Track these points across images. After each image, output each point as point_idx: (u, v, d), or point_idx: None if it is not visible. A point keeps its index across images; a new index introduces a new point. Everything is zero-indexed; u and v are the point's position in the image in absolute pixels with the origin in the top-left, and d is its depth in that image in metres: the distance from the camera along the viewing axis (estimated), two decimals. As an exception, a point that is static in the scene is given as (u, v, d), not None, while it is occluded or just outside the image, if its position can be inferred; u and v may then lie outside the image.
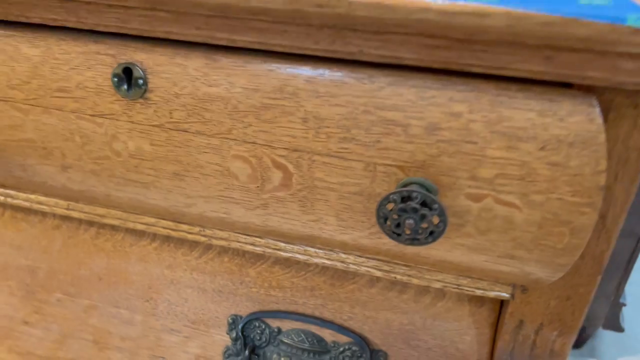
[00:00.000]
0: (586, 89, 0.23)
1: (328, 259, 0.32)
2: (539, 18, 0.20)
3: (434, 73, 0.24)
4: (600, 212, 0.26)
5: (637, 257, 0.97)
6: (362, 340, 0.35)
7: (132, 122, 0.29)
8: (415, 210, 0.24)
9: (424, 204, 0.24)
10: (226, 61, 0.27)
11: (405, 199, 0.25)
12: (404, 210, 0.25)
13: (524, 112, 0.23)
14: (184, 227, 0.34)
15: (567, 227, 0.25)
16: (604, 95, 0.23)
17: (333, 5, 0.22)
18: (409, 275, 0.31)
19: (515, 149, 0.24)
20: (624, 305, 0.94)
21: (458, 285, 0.31)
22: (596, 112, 0.23)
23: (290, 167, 0.28)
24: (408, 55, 0.23)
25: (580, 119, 0.23)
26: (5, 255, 0.41)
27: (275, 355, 0.37)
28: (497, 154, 0.24)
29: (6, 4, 0.28)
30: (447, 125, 0.24)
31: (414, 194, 0.24)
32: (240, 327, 0.37)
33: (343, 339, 0.36)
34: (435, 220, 0.25)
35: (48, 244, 0.40)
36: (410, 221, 0.25)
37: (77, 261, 0.39)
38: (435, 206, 0.24)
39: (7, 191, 0.37)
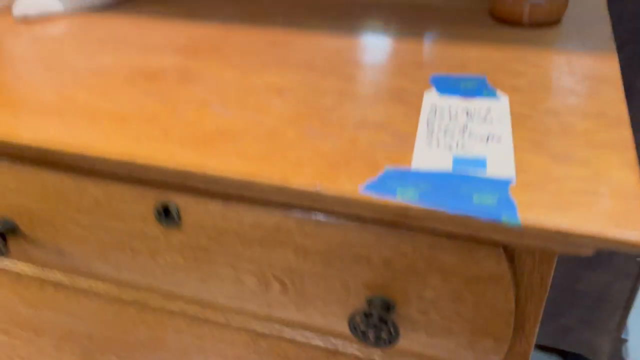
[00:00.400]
0: (495, 242, 0.31)
1: (321, 340, 0.41)
2: (438, 213, 0.28)
3: (389, 225, 0.33)
4: (519, 324, 0.34)
5: (636, 295, 1.02)
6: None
7: (169, 243, 0.39)
8: (374, 324, 0.33)
9: (381, 319, 0.33)
10: (237, 206, 0.36)
11: (367, 315, 0.33)
12: (366, 324, 0.33)
13: (452, 255, 0.32)
14: (209, 311, 0.44)
15: (492, 336, 0.33)
16: (508, 247, 0.31)
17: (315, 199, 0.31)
18: (383, 358, 0.40)
19: (448, 281, 0.33)
20: (626, 340, 1.00)
21: (422, 364, 0.40)
22: (503, 257, 0.31)
23: (287, 282, 0.37)
24: (369, 216, 0.32)
25: (491, 263, 0.31)
26: (69, 323, 0.51)
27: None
28: (435, 283, 0.33)
29: (80, 158, 0.38)
30: (398, 260, 0.33)
31: (374, 312, 0.33)
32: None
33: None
34: (391, 330, 0.33)
35: (103, 315, 0.50)
36: (372, 331, 0.33)
37: (125, 330, 0.49)
38: (389, 321, 0.33)
39: (75, 276, 0.47)
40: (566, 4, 0.47)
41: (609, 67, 0.40)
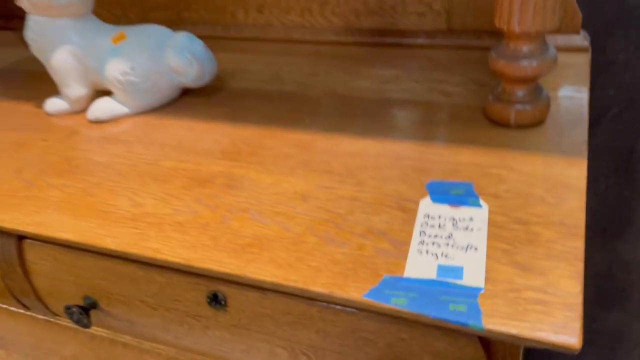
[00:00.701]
0: (472, 334, 0.39)
1: (341, 399, 0.50)
2: (423, 317, 0.37)
3: (390, 316, 0.42)
4: None
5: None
6: None
7: (218, 322, 0.49)
8: (380, 395, 0.42)
9: (385, 391, 0.42)
10: (271, 296, 0.45)
11: (374, 387, 0.42)
12: (374, 395, 0.42)
13: (440, 342, 0.40)
14: (250, 372, 0.53)
15: (475, 405, 0.42)
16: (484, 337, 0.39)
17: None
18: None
19: (437, 362, 0.41)
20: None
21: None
22: (479, 346, 0.39)
23: (312, 356, 0.46)
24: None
25: (470, 349, 0.39)
26: (136, 376, 0.62)
27: None
28: (427, 363, 0.41)
29: (150, 260, 0.48)
30: (398, 344, 0.42)
31: (379, 385, 0.42)
32: None
33: None
34: (393, 400, 0.42)
35: (163, 370, 0.60)
36: (378, 401, 0.42)
37: (182, 383, 0.59)
38: (392, 393, 0.41)
39: (141, 340, 0.58)
40: (548, 107, 0.55)
41: (577, 173, 0.47)
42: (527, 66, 0.51)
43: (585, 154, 0.50)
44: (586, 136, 0.52)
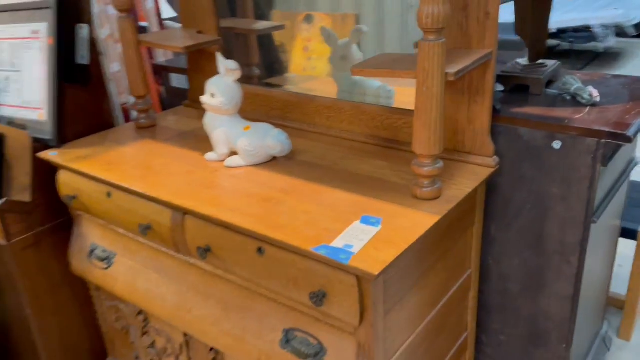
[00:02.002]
0: (350, 271, 0.94)
1: (309, 310, 1.06)
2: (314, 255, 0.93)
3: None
4: (363, 309, 0.95)
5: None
6: None
7: (260, 263, 1.08)
8: (315, 296, 0.98)
9: None
10: (288, 256, 1.04)
11: (314, 293, 0.98)
12: (313, 296, 0.98)
13: (326, 270, 0.96)
14: (272, 293, 1.11)
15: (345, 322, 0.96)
16: (357, 275, 0.94)
17: (300, 246, 0.98)
18: None
19: (335, 286, 0.96)
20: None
21: (342, 325, 1.02)
22: (355, 279, 0.94)
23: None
24: None
25: (352, 280, 0.94)
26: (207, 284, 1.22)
27: (295, 343, 1.10)
28: (323, 287, 0.97)
29: (247, 231, 1.09)
30: (319, 270, 0.98)
31: None
32: None
33: None
34: (321, 300, 0.97)
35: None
36: (315, 299, 0.98)
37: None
38: None
39: (227, 274, 1.19)
40: (439, 192, 1.09)
41: (430, 220, 1.01)
42: (424, 171, 1.07)
43: (440, 216, 1.03)
44: (451, 206, 1.05)
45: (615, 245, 1.62)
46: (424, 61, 0.98)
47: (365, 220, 1.03)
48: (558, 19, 4.84)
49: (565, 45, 5.17)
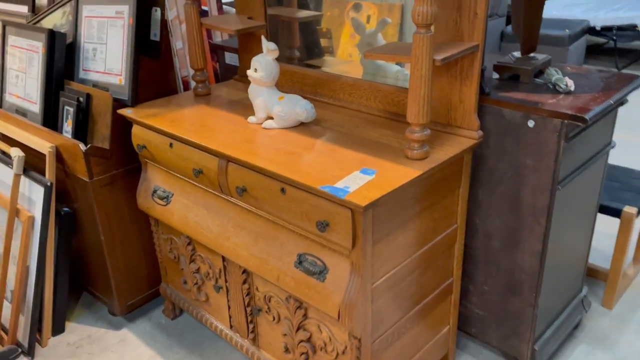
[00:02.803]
0: (346, 205, 1.25)
1: (317, 238, 1.37)
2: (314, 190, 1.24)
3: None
4: (355, 235, 1.26)
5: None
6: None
7: (282, 199, 1.40)
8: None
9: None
10: (303, 195, 1.36)
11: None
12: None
13: (330, 205, 1.27)
14: (291, 225, 1.43)
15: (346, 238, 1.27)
16: (351, 207, 1.25)
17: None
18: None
19: (335, 217, 1.27)
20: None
21: (341, 249, 1.33)
22: (349, 213, 1.25)
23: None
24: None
25: (347, 213, 1.25)
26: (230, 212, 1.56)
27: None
28: (330, 215, 1.28)
29: (273, 174, 1.42)
30: (324, 206, 1.29)
31: None
32: (299, 255, 1.43)
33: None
34: (325, 227, 1.29)
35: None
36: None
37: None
38: (324, 224, 1.29)
39: (259, 210, 1.52)
40: (427, 154, 1.38)
41: (412, 172, 1.31)
42: (415, 136, 1.36)
43: (422, 171, 1.32)
44: (434, 165, 1.34)
45: (592, 219, 1.85)
46: (415, 49, 1.26)
47: (364, 171, 1.33)
48: (604, 17, 4.92)
49: (611, 43, 5.23)
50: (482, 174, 1.61)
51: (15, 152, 1.92)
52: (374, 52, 1.43)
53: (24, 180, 1.95)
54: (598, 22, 4.91)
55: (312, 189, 1.30)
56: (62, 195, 2.00)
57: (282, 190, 1.38)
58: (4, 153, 2.06)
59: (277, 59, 1.63)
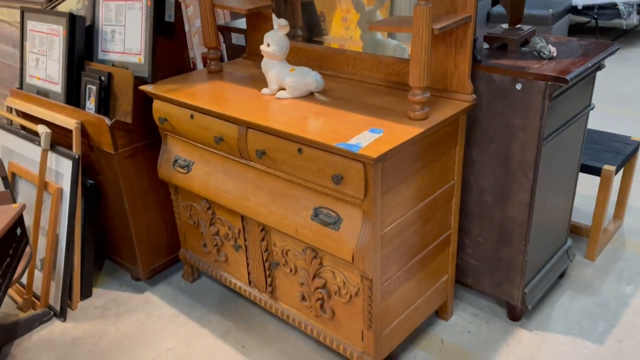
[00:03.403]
0: (358, 158, 1.42)
1: (331, 192, 1.55)
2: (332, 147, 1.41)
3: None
4: (367, 188, 1.43)
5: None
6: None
7: (300, 158, 1.57)
8: (336, 177, 1.46)
9: (338, 177, 1.46)
10: (318, 152, 1.52)
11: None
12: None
13: (344, 160, 1.44)
14: (307, 182, 1.60)
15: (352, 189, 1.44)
16: (362, 161, 1.42)
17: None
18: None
19: (348, 170, 1.44)
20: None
21: (353, 200, 1.50)
22: (361, 165, 1.42)
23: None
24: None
25: (359, 165, 1.42)
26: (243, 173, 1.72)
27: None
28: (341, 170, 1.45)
29: (284, 134, 1.58)
30: (339, 161, 1.46)
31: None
32: (315, 209, 1.60)
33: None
34: (339, 180, 1.46)
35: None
36: (335, 179, 1.46)
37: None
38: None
39: (276, 171, 1.68)
40: (427, 114, 1.55)
41: (417, 130, 1.48)
42: (417, 98, 1.52)
43: (424, 129, 1.49)
44: (434, 123, 1.51)
45: (574, 176, 2.03)
46: (416, 19, 1.43)
47: (372, 130, 1.50)
48: (585, -4, 5.10)
49: (593, 22, 5.42)
50: (476, 135, 1.79)
51: (43, 129, 2.06)
52: (379, 24, 1.59)
53: (51, 155, 2.10)
54: (580, 1, 5.09)
55: (327, 147, 1.46)
56: (86, 169, 2.15)
57: (299, 150, 1.55)
58: (26, 130, 2.20)
59: (286, 34, 1.79)
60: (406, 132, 1.49)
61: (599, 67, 1.75)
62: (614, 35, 5.60)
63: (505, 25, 1.85)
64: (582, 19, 5.78)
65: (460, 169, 1.78)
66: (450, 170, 1.75)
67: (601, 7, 5.12)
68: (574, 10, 5.15)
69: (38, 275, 2.18)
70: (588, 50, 1.75)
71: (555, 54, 1.69)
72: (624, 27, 5.34)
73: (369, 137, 1.47)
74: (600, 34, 5.40)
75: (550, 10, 4.66)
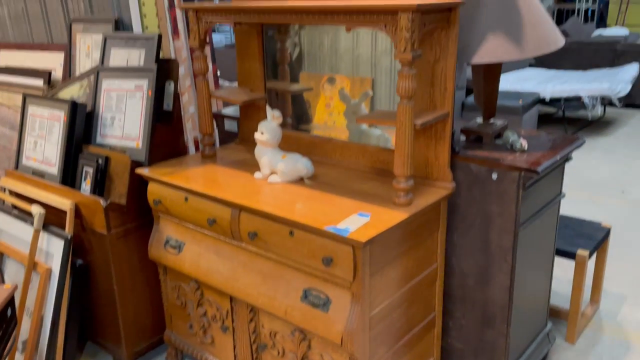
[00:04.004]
0: (348, 243, 1.50)
1: (321, 274, 1.60)
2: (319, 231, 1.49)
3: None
4: (356, 273, 1.50)
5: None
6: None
7: (291, 240, 1.64)
8: (326, 260, 1.53)
9: None
10: (306, 235, 1.60)
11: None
12: None
13: (335, 243, 1.51)
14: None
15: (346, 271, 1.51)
16: (352, 244, 1.49)
17: (317, 227, 1.55)
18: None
19: (338, 254, 1.52)
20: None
21: (342, 282, 1.56)
22: (350, 249, 1.49)
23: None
24: (329, 236, 1.54)
25: (349, 248, 1.50)
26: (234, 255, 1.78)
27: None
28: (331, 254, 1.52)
29: (281, 219, 1.66)
30: (329, 245, 1.53)
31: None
32: (305, 291, 1.65)
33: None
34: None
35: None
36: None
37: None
38: None
39: (268, 252, 1.75)
40: (410, 201, 1.65)
41: (400, 216, 1.57)
42: (401, 186, 1.63)
43: (409, 214, 1.59)
44: (418, 210, 1.61)
45: (550, 260, 2.13)
46: (400, 116, 1.57)
47: (360, 214, 1.59)
48: (551, 89, 5.48)
49: (560, 113, 5.78)
50: (456, 220, 1.89)
51: (37, 209, 2.11)
52: (366, 118, 1.73)
53: (42, 235, 2.13)
54: (547, 94, 5.46)
55: (318, 230, 1.54)
56: (76, 249, 2.18)
57: (291, 232, 1.62)
58: (18, 210, 2.24)
59: (279, 124, 1.92)
60: (392, 217, 1.58)
61: (567, 159, 1.90)
62: (581, 125, 5.96)
63: (479, 119, 2.01)
64: (551, 109, 6.16)
65: (442, 252, 1.87)
66: (433, 253, 1.83)
67: (567, 99, 5.49)
68: (542, 101, 5.50)
69: (19, 358, 2.13)
70: (556, 143, 1.91)
71: (526, 147, 1.84)
72: (589, 118, 5.71)
73: (357, 221, 1.55)
74: (567, 123, 5.74)
75: (521, 101, 4.98)
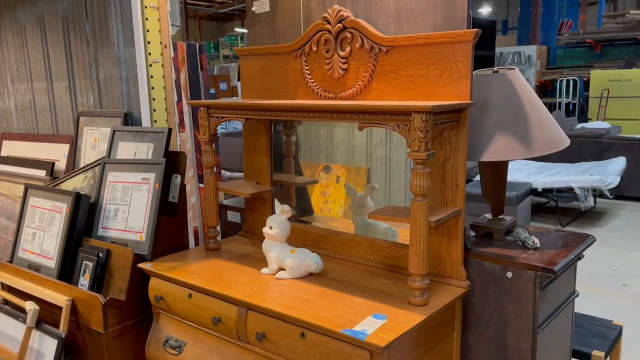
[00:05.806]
0: (364, 346, 1.42)
1: None
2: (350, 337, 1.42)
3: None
4: None
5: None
6: None
7: (301, 344, 1.56)
8: None
9: None
10: (314, 336, 1.52)
11: None
12: None
13: (355, 349, 1.43)
14: None
15: (367, 374, 1.42)
16: (369, 349, 1.42)
17: (332, 330, 1.47)
18: None
19: None
20: None
21: None
22: (368, 353, 1.42)
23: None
24: None
25: (366, 354, 1.42)
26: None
27: None
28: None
29: (285, 316, 1.59)
30: (345, 348, 1.45)
31: None
32: None
33: None
34: None
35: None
36: None
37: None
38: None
39: (274, 355, 1.65)
40: (427, 301, 1.60)
41: (415, 318, 1.51)
42: (416, 285, 1.59)
43: (426, 315, 1.53)
44: (434, 310, 1.56)
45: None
46: (414, 213, 1.55)
47: (376, 316, 1.53)
48: (543, 180, 5.57)
49: (552, 203, 5.85)
50: (471, 321, 1.82)
51: (31, 305, 2.01)
52: (378, 214, 1.72)
53: (34, 333, 2.02)
54: (539, 184, 5.55)
55: (332, 333, 1.47)
56: (68, 348, 2.05)
57: (302, 334, 1.55)
58: (9, 305, 2.14)
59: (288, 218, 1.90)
60: (409, 318, 1.52)
61: (579, 257, 1.87)
62: (574, 216, 6.01)
63: (488, 215, 2.01)
64: (542, 200, 6.23)
65: (458, 355, 1.78)
66: (449, 357, 1.75)
67: (559, 190, 5.57)
68: (534, 192, 5.58)
69: None
70: (568, 241, 1.89)
71: (539, 245, 1.82)
72: (582, 209, 5.76)
73: (373, 323, 1.49)
74: (560, 214, 5.79)
75: (514, 192, 5.04)
